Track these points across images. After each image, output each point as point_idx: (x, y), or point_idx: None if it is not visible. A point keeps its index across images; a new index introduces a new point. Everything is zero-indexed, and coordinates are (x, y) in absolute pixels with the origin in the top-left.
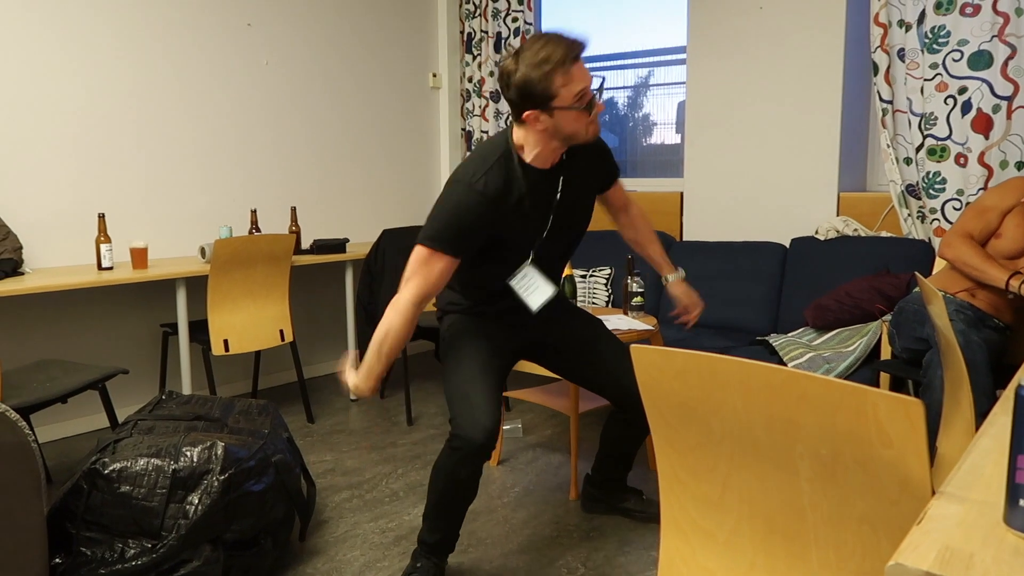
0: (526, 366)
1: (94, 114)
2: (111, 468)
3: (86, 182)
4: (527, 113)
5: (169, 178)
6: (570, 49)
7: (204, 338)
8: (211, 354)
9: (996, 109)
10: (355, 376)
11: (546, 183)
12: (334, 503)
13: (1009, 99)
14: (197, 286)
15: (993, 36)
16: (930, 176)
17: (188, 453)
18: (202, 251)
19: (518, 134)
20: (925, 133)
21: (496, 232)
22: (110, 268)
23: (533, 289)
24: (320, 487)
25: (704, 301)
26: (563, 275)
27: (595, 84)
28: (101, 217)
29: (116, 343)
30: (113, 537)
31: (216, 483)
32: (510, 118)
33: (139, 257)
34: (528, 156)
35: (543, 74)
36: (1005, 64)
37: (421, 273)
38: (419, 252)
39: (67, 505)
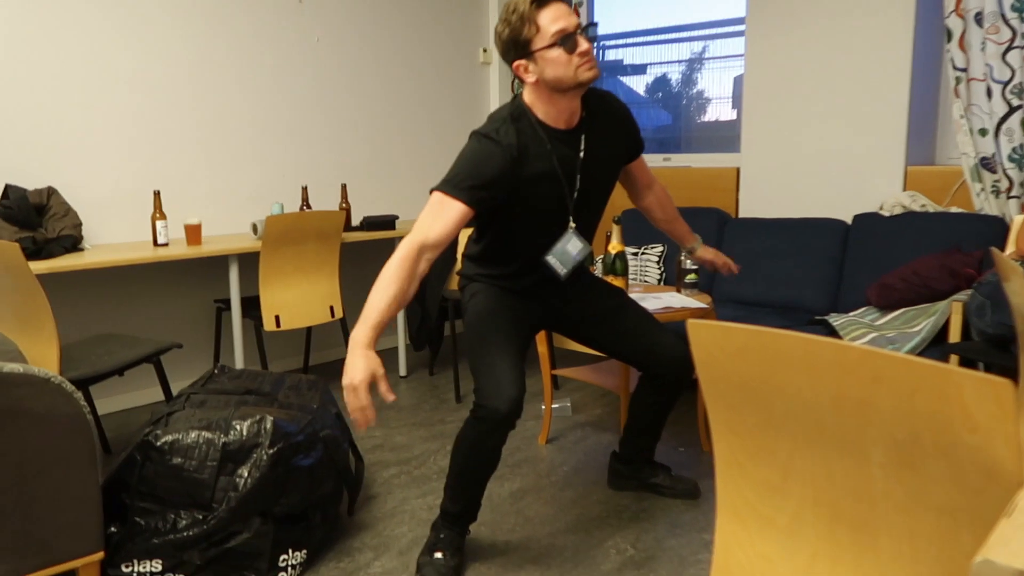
0: (572, 343)
1: (150, 92)
2: (163, 440)
3: (143, 159)
4: (516, 65)
5: (223, 155)
6: None
7: (256, 314)
8: (263, 330)
9: None
10: (352, 356)
11: (568, 142)
12: (382, 479)
13: None
14: (249, 262)
15: None
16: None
17: (238, 427)
18: (254, 227)
19: (525, 94)
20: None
21: (521, 194)
22: (165, 244)
23: (570, 253)
24: (368, 463)
25: (760, 279)
26: (590, 249)
27: (581, 26)
28: (156, 194)
29: (171, 318)
30: (166, 508)
31: (265, 457)
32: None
33: (193, 233)
34: (540, 114)
35: (515, 22)
36: None
37: (434, 217)
38: (435, 197)
39: (122, 476)
